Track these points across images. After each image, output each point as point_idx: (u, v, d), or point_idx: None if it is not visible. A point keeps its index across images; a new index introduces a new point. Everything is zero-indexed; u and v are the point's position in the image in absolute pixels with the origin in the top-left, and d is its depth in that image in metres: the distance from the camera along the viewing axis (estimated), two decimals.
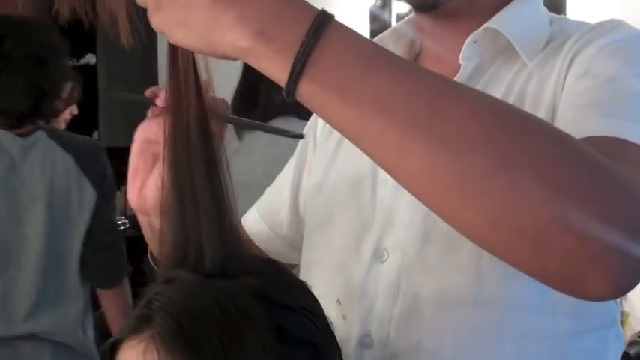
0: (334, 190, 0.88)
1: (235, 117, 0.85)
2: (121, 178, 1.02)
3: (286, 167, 1.04)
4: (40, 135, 1.82)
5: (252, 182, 1.09)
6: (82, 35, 1.62)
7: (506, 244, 0.53)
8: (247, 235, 1.02)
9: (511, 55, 0.81)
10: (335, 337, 0.65)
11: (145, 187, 0.74)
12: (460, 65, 0.81)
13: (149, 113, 0.75)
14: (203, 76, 0.63)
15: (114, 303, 1.91)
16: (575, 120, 0.67)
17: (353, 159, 0.86)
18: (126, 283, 1.93)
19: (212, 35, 0.54)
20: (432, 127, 0.51)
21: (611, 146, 0.60)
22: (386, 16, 3.44)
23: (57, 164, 1.81)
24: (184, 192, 0.62)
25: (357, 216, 0.84)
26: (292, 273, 0.72)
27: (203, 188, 0.62)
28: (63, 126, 2.72)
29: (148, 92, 0.75)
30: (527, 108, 0.75)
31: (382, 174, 0.82)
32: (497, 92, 0.78)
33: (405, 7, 3.02)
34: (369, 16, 3.47)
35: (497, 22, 0.81)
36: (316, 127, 0.99)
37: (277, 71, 0.54)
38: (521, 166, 0.51)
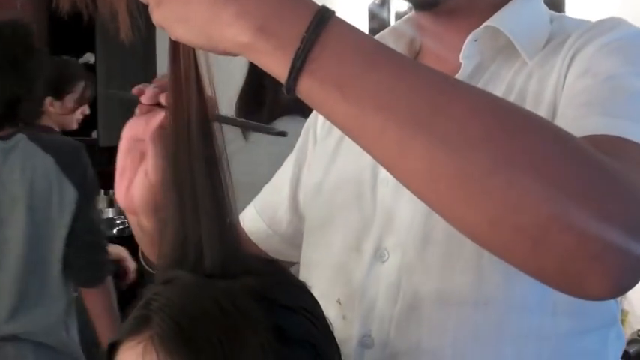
0: (334, 190, 0.88)
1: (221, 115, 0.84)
2: None
3: (285, 164, 1.03)
4: (21, 138, 1.83)
5: (256, 182, 1.09)
6: (80, 34, 1.62)
7: (505, 243, 0.53)
8: (247, 235, 1.02)
9: (511, 53, 0.80)
10: (334, 338, 0.65)
11: (133, 185, 0.74)
12: (460, 64, 0.80)
13: (136, 111, 0.74)
14: (204, 73, 0.62)
15: (99, 301, 1.93)
16: (576, 118, 0.67)
17: (353, 157, 0.85)
18: (109, 281, 1.96)
19: (212, 31, 0.54)
20: (432, 124, 0.51)
21: (611, 145, 0.60)
22: (385, 14, 3.43)
23: (37, 166, 1.82)
24: (184, 190, 0.62)
25: (357, 216, 0.83)
26: (292, 273, 0.72)
27: (203, 187, 0.61)
28: (75, 126, 2.73)
29: (134, 90, 0.74)
30: (528, 106, 0.74)
31: (383, 173, 0.82)
32: (498, 91, 0.78)
33: (404, 6, 3.02)
34: (367, 14, 3.46)
35: (498, 20, 0.80)
36: (316, 123, 0.99)
37: (277, 67, 0.53)
38: (522, 164, 0.51)
